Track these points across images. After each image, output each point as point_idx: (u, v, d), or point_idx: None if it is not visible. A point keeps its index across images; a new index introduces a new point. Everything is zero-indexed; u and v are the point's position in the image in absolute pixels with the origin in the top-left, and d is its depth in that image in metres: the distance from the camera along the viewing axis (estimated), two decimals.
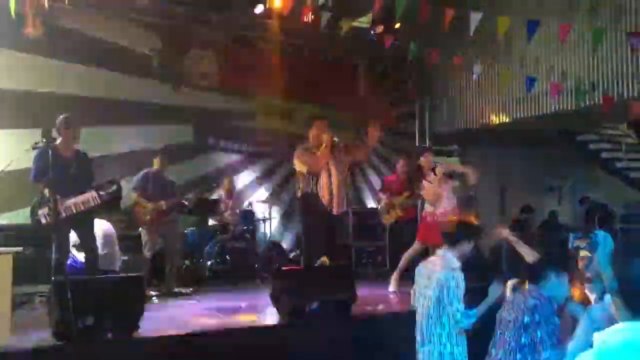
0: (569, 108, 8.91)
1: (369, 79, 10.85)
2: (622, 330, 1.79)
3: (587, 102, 8.46)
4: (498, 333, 3.58)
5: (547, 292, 3.49)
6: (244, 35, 9.63)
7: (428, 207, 6.84)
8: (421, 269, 4.08)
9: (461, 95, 10.53)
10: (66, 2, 7.20)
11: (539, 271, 3.61)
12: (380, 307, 5.85)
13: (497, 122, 10.07)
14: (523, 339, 3.39)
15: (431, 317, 3.89)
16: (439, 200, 6.60)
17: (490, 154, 11.54)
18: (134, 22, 8.68)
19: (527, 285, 3.73)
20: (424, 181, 6.77)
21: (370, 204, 10.43)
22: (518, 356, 3.39)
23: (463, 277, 3.87)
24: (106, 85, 8.36)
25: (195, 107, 9.15)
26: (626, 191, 11.67)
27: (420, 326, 3.97)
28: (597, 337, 1.83)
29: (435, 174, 6.71)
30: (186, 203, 7.24)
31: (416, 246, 6.72)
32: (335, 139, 6.29)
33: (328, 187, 6.04)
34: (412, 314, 4.12)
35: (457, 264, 3.92)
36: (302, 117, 9.69)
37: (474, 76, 8.51)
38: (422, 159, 6.90)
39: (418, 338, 4.00)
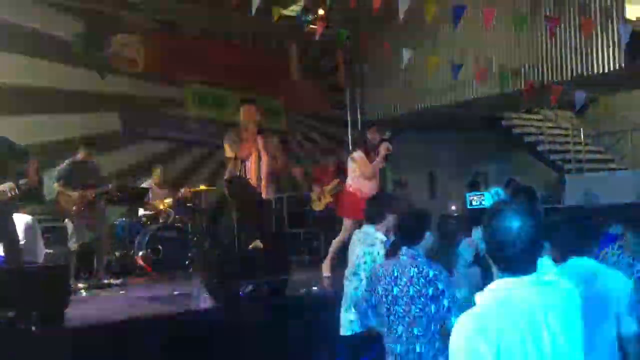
0: (494, 93, 9.23)
1: (301, 66, 10.86)
2: (494, 290, 1.93)
3: (511, 87, 8.79)
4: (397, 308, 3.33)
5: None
6: (171, 20, 9.42)
7: (357, 183, 6.63)
8: (352, 240, 4.29)
9: (391, 81, 10.69)
10: None
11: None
12: (314, 289, 5.88)
13: (426, 107, 10.31)
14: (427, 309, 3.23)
15: (351, 283, 4.04)
16: (374, 177, 6.62)
17: (420, 139, 11.81)
18: (54, 6, 8.34)
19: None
20: (361, 156, 6.67)
21: (305, 191, 10.45)
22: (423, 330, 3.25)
23: (383, 252, 3.97)
24: (27, 72, 7.99)
25: (122, 94, 8.88)
26: (548, 173, 12.20)
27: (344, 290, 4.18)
28: (477, 297, 1.94)
29: (380, 151, 6.72)
30: (114, 192, 7.02)
31: (348, 227, 6.69)
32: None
33: (256, 172, 6.02)
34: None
35: (377, 238, 4.03)
36: (233, 104, 9.61)
37: (404, 62, 8.63)
38: (368, 134, 6.87)
39: (343, 305, 4.19)
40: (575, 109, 8.10)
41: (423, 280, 3.22)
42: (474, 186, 10.00)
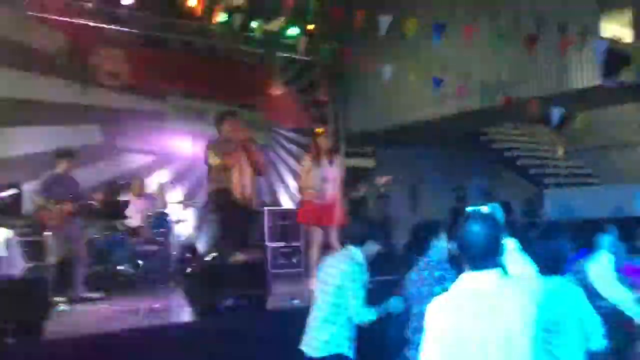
0: (474, 108, 9.35)
1: (283, 80, 10.92)
2: (462, 281, 2.36)
3: (490, 103, 8.91)
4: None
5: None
6: (155, 34, 9.44)
7: (315, 189, 6.61)
8: (326, 261, 4.13)
9: (373, 96, 10.79)
10: None
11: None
12: (296, 301, 5.87)
13: (407, 122, 10.40)
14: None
15: (333, 305, 3.93)
16: (334, 183, 6.63)
17: (402, 154, 11.91)
18: (38, 19, 8.33)
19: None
20: (305, 165, 6.73)
21: (286, 204, 10.46)
22: None
23: (366, 274, 3.94)
24: (9, 84, 7.97)
25: (104, 107, 8.87)
26: (528, 188, 12.34)
27: (315, 311, 4.03)
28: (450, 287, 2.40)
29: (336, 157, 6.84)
30: (94, 204, 6.99)
31: (316, 234, 6.69)
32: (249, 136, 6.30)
33: (240, 183, 6.02)
34: None
35: (362, 260, 3.98)
36: (216, 117, 9.61)
37: (385, 77, 8.73)
38: (320, 139, 6.84)
39: (310, 320, 4.03)
40: (553, 125, 8.20)
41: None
42: (460, 201, 10.15)
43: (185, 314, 5.34)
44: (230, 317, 5.09)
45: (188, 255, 8.24)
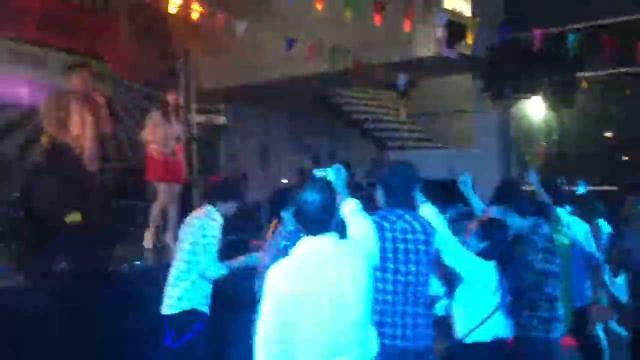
0: (324, 71, 9.53)
1: (133, 30, 10.32)
2: (300, 245, 2.53)
3: (340, 66, 9.12)
4: None
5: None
6: None
7: (161, 144, 6.63)
8: (186, 220, 4.19)
9: (225, 53, 10.58)
10: None
11: None
12: (137, 263, 5.71)
13: (259, 81, 10.36)
14: None
15: (185, 262, 3.98)
16: (170, 139, 6.65)
17: (255, 112, 11.90)
18: None
19: None
20: (154, 118, 6.66)
21: (133, 161, 10.01)
22: None
23: (219, 231, 4.02)
24: None
25: None
26: (373, 150, 12.93)
27: (172, 269, 4.11)
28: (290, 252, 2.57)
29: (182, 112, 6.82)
30: None
31: (162, 192, 6.66)
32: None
33: (80, 139, 5.67)
34: (167, 268, 4.15)
35: (219, 217, 4.05)
36: (57, 65, 8.91)
37: (239, 34, 8.58)
38: (169, 96, 6.78)
39: (168, 279, 4.09)
40: (399, 91, 8.62)
41: None
42: (315, 162, 10.37)
43: (13, 277, 4.98)
44: (64, 280, 4.83)
45: (19, 214, 7.66)
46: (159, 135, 6.56)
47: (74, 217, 5.34)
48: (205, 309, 4.04)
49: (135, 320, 4.66)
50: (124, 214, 8.93)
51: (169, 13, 8.98)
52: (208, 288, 4.06)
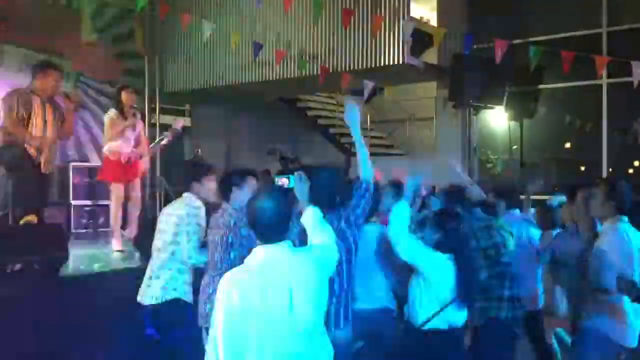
0: (292, 75, 9.54)
1: (93, 27, 10.14)
2: (254, 254, 2.46)
3: (308, 71, 9.15)
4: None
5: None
6: None
7: (116, 144, 6.52)
8: (164, 211, 4.22)
9: (192, 54, 10.51)
10: None
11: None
12: (96, 265, 5.60)
13: (227, 83, 10.31)
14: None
15: (168, 252, 4.00)
16: (125, 139, 6.58)
17: (219, 114, 11.84)
18: None
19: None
20: (111, 117, 6.57)
21: (94, 160, 9.84)
22: None
23: (204, 217, 4.06)
24: None
25: None
26: (338, 155, 12.97)
27: (152, 261, 4.11)
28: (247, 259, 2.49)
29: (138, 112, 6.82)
30: None
31: (117, 193, 6.58)
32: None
33: (39, 139, 5.53)
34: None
35: (198, 203, 4.10)
36: (15, 61, 8.71)
37: (205, 35, 8.54)
38: (123, 94, 6.64)
39: (147, 271, 4.11)
40: (364, 97, 8.66)
41: None
42: (283, 164, 10.28)
43: None
44: (19, 283, 4.71)
45: None
46: (113, 134, 6.46)
47: (29, 218, 5.22)
48: (189, 298, 4.05)
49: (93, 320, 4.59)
50: (87, 214, 8.81)
51: (133, 11, 8.88)
52: (191, 276, 4.08)
